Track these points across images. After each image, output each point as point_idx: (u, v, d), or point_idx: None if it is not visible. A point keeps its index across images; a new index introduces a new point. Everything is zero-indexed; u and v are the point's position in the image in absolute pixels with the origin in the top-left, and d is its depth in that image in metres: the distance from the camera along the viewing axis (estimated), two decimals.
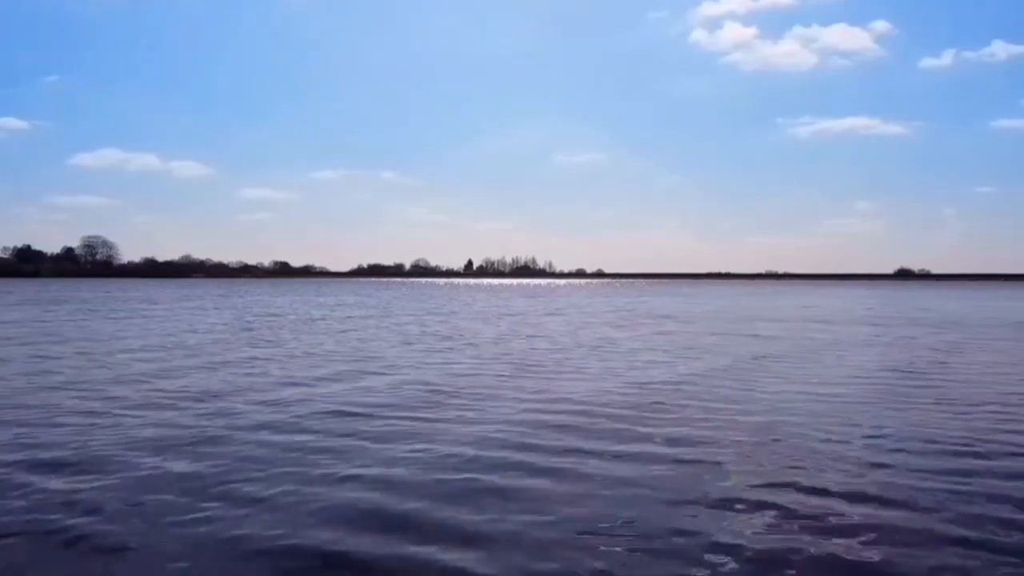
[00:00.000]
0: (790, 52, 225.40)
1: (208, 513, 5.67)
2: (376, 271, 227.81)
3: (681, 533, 5.27)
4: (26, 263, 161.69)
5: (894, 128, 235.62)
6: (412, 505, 5.93)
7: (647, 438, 8.33)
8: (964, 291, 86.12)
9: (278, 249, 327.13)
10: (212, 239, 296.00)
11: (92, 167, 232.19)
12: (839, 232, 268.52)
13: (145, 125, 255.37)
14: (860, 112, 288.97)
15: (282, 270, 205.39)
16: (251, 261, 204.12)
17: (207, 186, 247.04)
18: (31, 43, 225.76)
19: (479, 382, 12.92)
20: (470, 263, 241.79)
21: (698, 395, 11.42)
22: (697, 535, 5.23)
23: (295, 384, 12.55)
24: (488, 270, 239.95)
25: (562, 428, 8.91)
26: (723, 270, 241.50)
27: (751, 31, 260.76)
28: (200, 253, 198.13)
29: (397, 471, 6.93)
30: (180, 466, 7.08)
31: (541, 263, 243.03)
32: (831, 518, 5.60)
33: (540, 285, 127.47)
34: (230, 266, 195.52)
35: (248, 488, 6.34)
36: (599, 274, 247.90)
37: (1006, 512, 5.75)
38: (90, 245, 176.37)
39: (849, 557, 4.86)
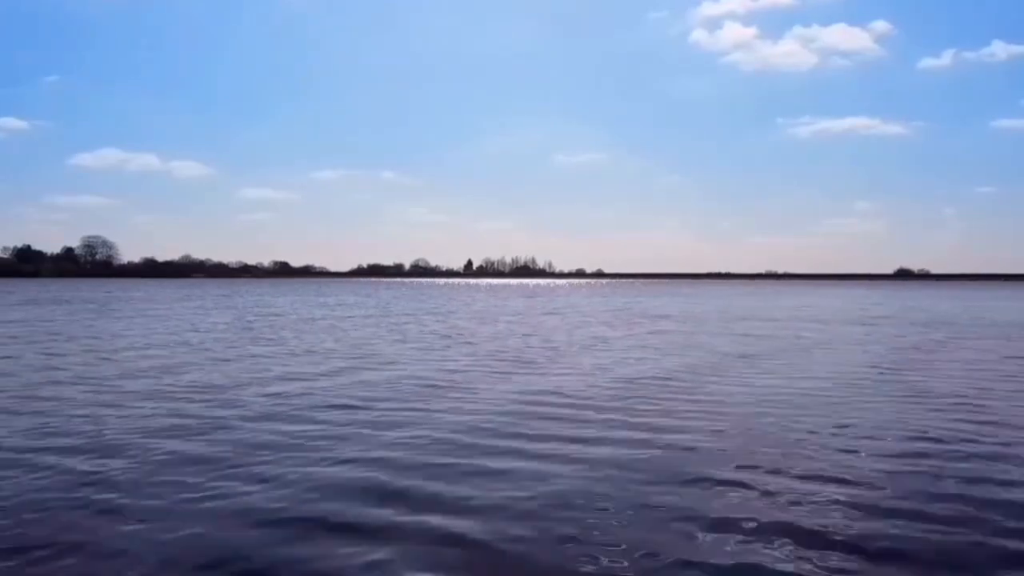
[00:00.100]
0: (790, 52, 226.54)
1: (220, 490, 6.22)
2: (376, 271, 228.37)
3: (650, 507, 5.81)
4: (26, 263, 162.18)
5: (894, 128, 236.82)
6: (406, 482, 6.49)
7: (628, 426, 8.89)
8: (962, 291, 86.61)
9: (278, 249, 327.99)
10: (212, 239, 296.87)
11: (92, 167, 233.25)
12: (839, 232, 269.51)
13: (145, 125, 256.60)
14: (860, 112, 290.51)
15: (282, 270, 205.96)
16: (251, 261, 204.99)
17: (207, 186, 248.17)
18: (31, 43, 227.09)
19: (473, 377, 13.47)
20: (470, 263, 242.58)
21: (681, 388, 11.97)
22: (665, 508, 5.77)
23: (297, 379, 13.10)
24: (488, 270, 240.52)
25: (548, 417, 9.47)
26: (723, 270, 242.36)
27: (751, 31, 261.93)
28: (200, 253, 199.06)
29: (392, 453, 7.48)
30: (191, 448, 7.65)
31: (541, 263, 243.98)
32: (792, 494, 6.14)
33: (540, 285, 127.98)
34: (230, 266, 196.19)
35: (256, 468, 6.89)
36: (599, 274, 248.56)
37: (950, 487, 6.31)
38: (90, 245, 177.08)
39: (805, 525, 5.38)
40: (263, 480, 6.53)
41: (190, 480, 6.51)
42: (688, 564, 4.70)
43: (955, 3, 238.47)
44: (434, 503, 5.93)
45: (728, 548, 4.97)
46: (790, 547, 4.98)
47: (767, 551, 4.91)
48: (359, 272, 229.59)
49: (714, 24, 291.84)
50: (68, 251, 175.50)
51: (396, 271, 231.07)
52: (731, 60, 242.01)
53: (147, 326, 26.53)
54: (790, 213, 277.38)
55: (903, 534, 5.25)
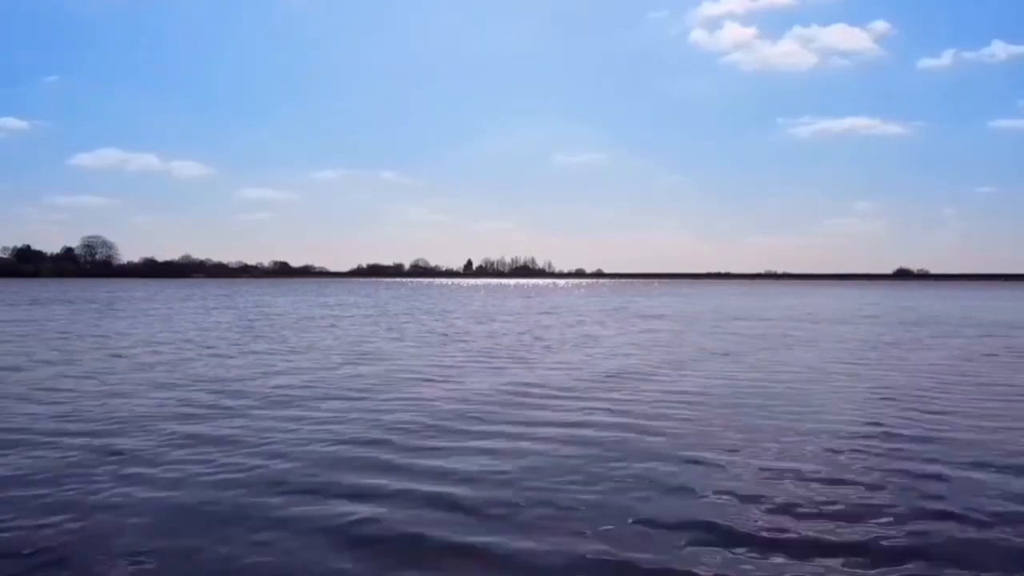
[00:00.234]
0: (790, 52, 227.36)
1: (228, 463, 6.97)
2: (376, 271, 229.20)
3: (612, 478, 6.58)
4: (26, 263, 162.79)
5: (894, 128, 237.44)
6: (399, 457, 7.27)
7: (603, 412, 9.67)
8: (960, 291, 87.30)
9: (278, 249, 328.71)
10: (212, 239, 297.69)
11: (92, 167, 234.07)
12: (839, 232, 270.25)
13: (145, 125, 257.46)
14: (860, 112, 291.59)
15: (282, 270, 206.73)
16: (251, 261, 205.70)
17: (207, 186, 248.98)
18: (31, 43, 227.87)
19: (465, 371, 14.22)
20: (469, 263, 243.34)
21: (657, 381, 12.76)
22: (626, 478, 6.53)
23: (297, 372, 13.85)
24: (487, 270, 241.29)
25: (530, 406, 10.26)
26: (723, 270, 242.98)
27: (751, 31, 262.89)
28: (200, 253, 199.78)
29: (387, 436, 8.25)
30: (201, 430, 8.44)
31: (541, 263, 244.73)
32: (741, 468, 6.88)
33: (539, 285, 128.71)
34: (229, 266, 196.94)
35: (261, 446, 7.67)
36: (599, 274, 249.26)
37: (871, 461, 7.06)
38: (90, 245, 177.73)
39: (742, 492, 6.11)
40: (268, 455, 7.28)
41: (201, 456, 7.27)
42: (642, 521, 5.43)
43: (955, 3, 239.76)
44: (424, 473, 6.69)
45: (677, 510, 5.70)
46: (734, 509, 5.71)
47: (712, 514, 5.63)
48: (359, 272, 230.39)
49: (714, 24, 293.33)
50: (68, 251, 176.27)
51: (396, 271, 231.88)
52: (731, 60, 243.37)
53: (152, 325, 27.26)
54: (790, 213, 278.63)
55: (823, 495, 5.97)
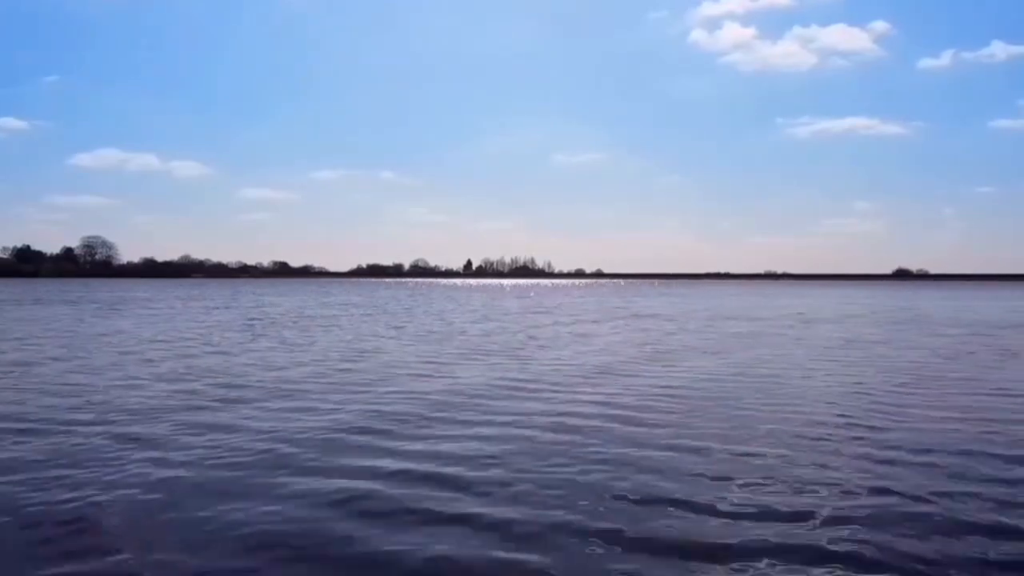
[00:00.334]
0: (789, 52, 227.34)
1: (235, 445, 7.53)
2: (375, 271, 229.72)
3: (584, 459, 7.17)
4: (26, 263, 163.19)
5: (893, 128, 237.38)
6: (390, 441, 7.88)
7: (582, 403, 10.29)
8: (958, 292, 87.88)
9: (277, 249, 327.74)
10: (211, 239, 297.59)
11: (92, 167, 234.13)
12: (838, 232, 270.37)
13: (145, 125, 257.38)
14: (859, 112, 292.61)
15: (281, 270, 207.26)
16: (250, 261, 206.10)
17: (207, 186, 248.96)
18: (31, 43, 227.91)
19: (458, 366, 14.81)
20: (469, 263, 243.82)
21: (642, 376, 13.34)
22: (593, 456, 7.12)
23: (299, 367, 14.46)
24: (487, 270, 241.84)
25: (514, 397, 10.89)
26: (723, 270, 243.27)
27: (750, 31, 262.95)
28: (199, 253, 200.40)
29: (381, 424, 8.83)
30: (208, 419, 9.03)
31: (540, 263, 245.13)
32: (694, 443, 7.47)
33: (538, 285, 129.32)
34: (229, 266, 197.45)
35: (264, 432, 8.24)
36: (599, 274, 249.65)
37: (831, 446, 7.64)
38: (89, 245, 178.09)
39: (711, 474, 6.68)
40: (272, 440, 7.87)
41: (210, 440, 7.88)
42: (616, 497, 6.01)
43: (954, 3, 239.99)
44: (418, 455, 7.29)
45: (649, 488, 6.29)
46: (703, 487, 6.30)
47: (681, 491, 6.21)
48: (358, 272, 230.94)
49: (713, 24, 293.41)
50: (68, 251, 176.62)
51: (395, 271, 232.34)
52: (730, 60, 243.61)
53: (157, 324, 27.82)
54: (790, 213, 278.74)
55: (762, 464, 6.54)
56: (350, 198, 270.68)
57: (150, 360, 15.48)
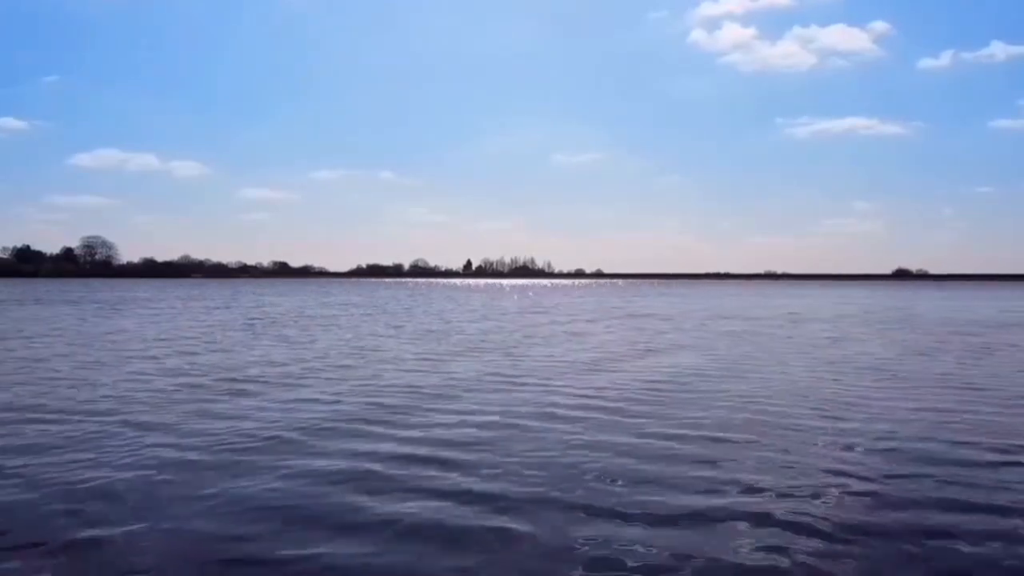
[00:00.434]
0: (789, 52, 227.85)
1: (239, 430, 8.07)
2: (375, 271, 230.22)
3: (565, 443, 7.73)
4: (26, 263, 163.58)
5: (893, 128, 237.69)
6: (385, 428, 8.45)
7: (570, 394, 10.84)
8: (957, 292, 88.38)
9: (277, 249, 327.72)
10: (211, 239, 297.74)
11: (91, 167, 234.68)
12: (838, 232, 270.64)
13: (145, 125, 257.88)
14: (859, 112, 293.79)
15: (281, 270, 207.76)
16: (250, 261, 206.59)
17: (206, 186, 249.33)
18: (31, 43, 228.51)
19: (456, 362, 15.37)
20: (469, 263, 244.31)
21: (627, 371, 13.90)
22: (573, 441, 7.68)
23: (299, 362, 15.02)
24: (487, 270, 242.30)
25: (501, 390, 11.45)
26: (722, 270, 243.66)
27: (750, 31, 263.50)
28: (199, 253, 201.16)
29: (376, 415, 9.37)
30: (211, 408, 9.62)
31: (540, 263, 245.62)
32: (677, 439, 7.99)
33: (538, 285, 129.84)
34: (229, 266, 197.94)
35: (266, 420, 8.79)
36: (598, 274, 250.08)
37: (789, 420, 8.18)
38: (89, 245, 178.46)
39: (681, 455, 7.22)
40: (274, 427, 8.43)
41: (214, 427, 8.47)
42: (589, 473, 6.54)
43: (954, 3, 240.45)
44: (411, 439, 7.87)
45: (620, 466, 6.84)
46: (670, 464, 6.83)
47: (650, 468, 6.76)
48: (358, 272, 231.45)
49: (713, 24, 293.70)
50: (68, 251, 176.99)
51: (395, 271, 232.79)
52: (730, 60, 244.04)
53: (159, 323, 28.35)
54: (789, 213, 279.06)
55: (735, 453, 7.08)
56: (350, 198, 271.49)
57: (155, 357, 16.01)
